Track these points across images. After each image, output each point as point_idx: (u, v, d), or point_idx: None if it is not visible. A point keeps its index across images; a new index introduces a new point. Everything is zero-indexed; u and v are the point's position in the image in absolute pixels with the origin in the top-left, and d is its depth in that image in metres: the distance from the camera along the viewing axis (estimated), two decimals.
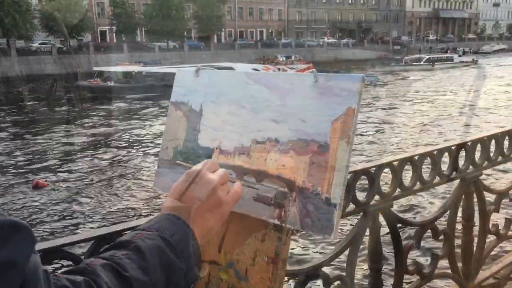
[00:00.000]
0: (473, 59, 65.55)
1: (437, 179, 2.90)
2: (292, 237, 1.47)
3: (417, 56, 62.35)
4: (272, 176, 1.46)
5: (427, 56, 60.47)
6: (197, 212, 0.93)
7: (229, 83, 1.65)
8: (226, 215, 1.01)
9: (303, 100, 1.45)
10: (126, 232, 1.65)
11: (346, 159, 1.35)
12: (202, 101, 1.70)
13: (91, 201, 12.23)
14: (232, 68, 40.93)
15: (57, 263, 1.67)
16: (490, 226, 3.53)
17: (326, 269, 2.32)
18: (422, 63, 56.83)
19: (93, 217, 11.41)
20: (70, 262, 1.54)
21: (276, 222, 1.43)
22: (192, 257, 0.86)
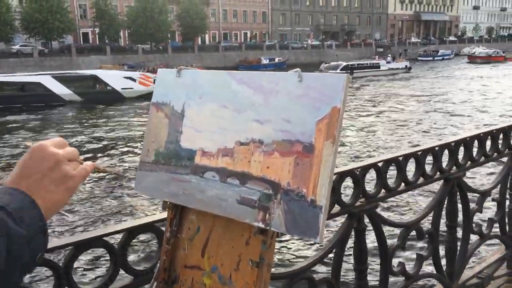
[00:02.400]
0: (406, 66, 55.63)
1: (421, 179, 2.91)
2: (278, 239, 1.44)
3: (335, 63, 51.86)
4: (256, 178, 1.44)
5: (345, 63, 49.77)
6: (38, 184, 0.93)
7: (211, 83, 1.62)
8: (73, 189, 1.01)
9: (288, 100, 1.43)
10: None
11: (331, 160, 1.33)
12: (184, 102, 1.67)
13: None
14: (97, 76, 34.08)
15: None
16: (474, 226, 3.55)
17: (311, 272, 2.30)
18: (338, 71, 45.01)
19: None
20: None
21: (261, 225, 1.40)
22: (34, 224, 0.87)
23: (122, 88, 34.09)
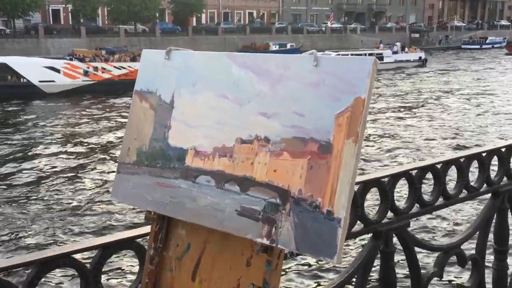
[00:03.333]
0: (419, 58, 52.25)
1: (465, 192, 2.89)
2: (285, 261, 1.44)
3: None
4: (261, 184, 1.44)
5: (343, 53, 45.63)
6: None
7: (207, 68, 1.63)
8: None
9: (300, 88, 1.43)
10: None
11: (353, 163, 1.33)
12: (174, 90, 1.68)
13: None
14: (6, 65, 29.77)
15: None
16: None
17: None
18: None
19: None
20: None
21: (265, 241, 1.40)
22: None
23: (41, 81, 30.58)
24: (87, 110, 27.39)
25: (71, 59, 34.25)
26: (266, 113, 1.48)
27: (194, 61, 1.66)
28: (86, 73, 32.48)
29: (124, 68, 33.54)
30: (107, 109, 27.38)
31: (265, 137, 1.47)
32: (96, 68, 33.10)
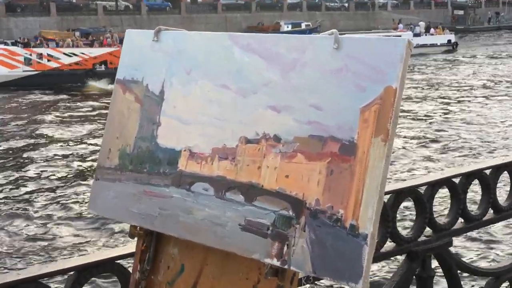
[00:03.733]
0: (449, 41, 50.88)
1: None
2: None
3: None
4: (270, 193, 1.44)
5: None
6: None
7: (205, 51, 1.63)
8: None
9: (318, 76, 1.44)
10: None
11: (382, 167, 1.33)
12: (164, 79, 1.68)
13: None
14: None
15: None
16: None
17: None
18: None
19: None
20: None
21: (275, 263, 1.40)
22: None
23: None
24: (27, 107, 26.16)
25: (39, 44, 33.56)
26: (276, 106, 1.48)
27: (189, 44, 1.67)
28: (27, 62, 31.31)
29: (75, 55, 32.02)
30: (52, 108, 25.96)
31: (275, 135, 1.47)
32: (40, 56, 31.88)
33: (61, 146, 19.41)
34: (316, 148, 1.41)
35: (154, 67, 1.71)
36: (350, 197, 1.35)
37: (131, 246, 1.78)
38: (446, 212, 2.62)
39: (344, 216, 1.34)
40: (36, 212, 13.97)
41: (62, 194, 15.06)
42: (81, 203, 13.92)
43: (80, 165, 17.29)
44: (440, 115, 25.41)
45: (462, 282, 2.75)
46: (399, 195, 2.31)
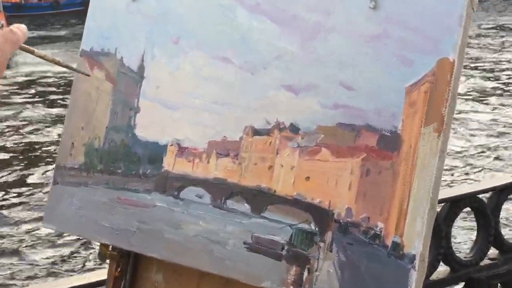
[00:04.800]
0: None
1: None
2: None
3: None
4: (285, 200, 1.44)
5: None
6: None
7: (198, 13, 1.63)
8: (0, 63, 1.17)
9: (349, 45, 1.43)
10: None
11: (435, 166, 1.32)
12: (144, 50, 1.68)
13: None
14: None
15: None
16: None
17: None
18: None
19: None
20: None
21: None
22: None
23: None
24: None
25: None
26: (293, 85, 1.48)
27: (176, 2, 1.66)
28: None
29: None
30: None
31: (291, 124, 1.46)
32: None
33: None
34: (347, 141, 1.40)
35: (130, 34, 1.71)
36: (392, 205, 1.34)
37: (101, 272, 1.78)
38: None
39: (384, 231, 1.34)
40: None
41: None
42: (30, 209, 14.09)
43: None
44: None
45: None
46: (455, 205, 2.30)
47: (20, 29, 1.25)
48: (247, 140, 1.51)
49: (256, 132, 1.51)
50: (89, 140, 1.72)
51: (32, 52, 1.35)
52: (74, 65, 1.67)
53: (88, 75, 1.56)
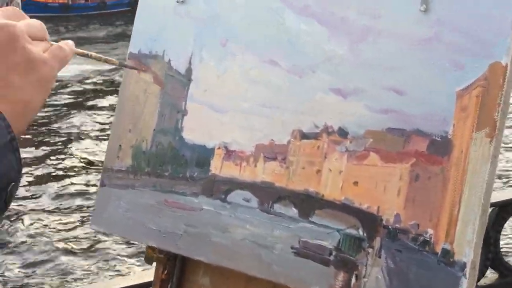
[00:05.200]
0: None
1: None
2: None
3: None
4: (333, 205, 1.44)
5: None
6: None
7: (247, 16, 1.63)
8: (49, 81, 1.15)
9: (399, 48, 1.42)
10: None
11: (487, 172, 1.31)
12: (192, 52, 1.68)
13: None
14: None
15: None
16: None
17: None
18: None
19: None
20: None
21: None
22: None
23: None
24: None
25: None
26: (341, 89, 1.47)
27: (225, 5, 1.66)
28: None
29: None
30: None
31: (339, 128, 1.46)
32: None
33: None
34: (396, 146, 1.39)
35: (178, 37, 1.71)
36: (442, 212, 1.33)
37: (148, 273, 1.78)
38: None
39: (434, 237, 1.33)
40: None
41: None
42: (81, 212, 14.19)
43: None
44: None
45: None
46: (503, 209, 2.27)
47: (68, 45, 1.25)
48: (295, 143, 1.51)
49: (304, 136, 1.50)
50: (136, 142, 1.73)
51: (88, 56, 1.37)
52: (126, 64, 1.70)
53: (144, 70, 1.57)
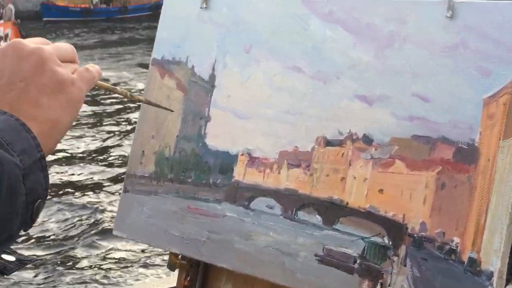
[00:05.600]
0: None
1: None
2: None
3: None
4: (358, 212, 1.43)
5: None
6: (23, 97, 1.12)
7: (271, 22, 1.62)
8: (78, 101, 1.19)
9: (425, 55, 1.41)
10: None
11: None
12: (215, 59, 1.68)
13: None
14: None
15: None
16: None
17: None
18: None
19: None
20: None
21: None
22: (28, 156, 1.06)
23: None
24: None
25: None
26: (366, 96, 1.46)
27: (249, 11, 1.66)
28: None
29: None
30: None
31: (364, 135, 1.45)
32: None
33: None
34: (422, 154, 1.39)
35: (202, 43, 1.71)
36: (469, 220, 1.32)
37: (170, 279, 1.78)
38: None
39: (460, 246, 1.32)
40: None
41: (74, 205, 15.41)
42: (102, 217, 14.20)
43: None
44: None
45: None
46: None
47: (95, 68, 1.28)
48: (319, 150, 1.51)
49: (328, 143, 1.50)
50: (159, 148, 1.73)
51: (113, 90, 1.38)
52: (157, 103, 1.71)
53: (172, 111, 1.58)
